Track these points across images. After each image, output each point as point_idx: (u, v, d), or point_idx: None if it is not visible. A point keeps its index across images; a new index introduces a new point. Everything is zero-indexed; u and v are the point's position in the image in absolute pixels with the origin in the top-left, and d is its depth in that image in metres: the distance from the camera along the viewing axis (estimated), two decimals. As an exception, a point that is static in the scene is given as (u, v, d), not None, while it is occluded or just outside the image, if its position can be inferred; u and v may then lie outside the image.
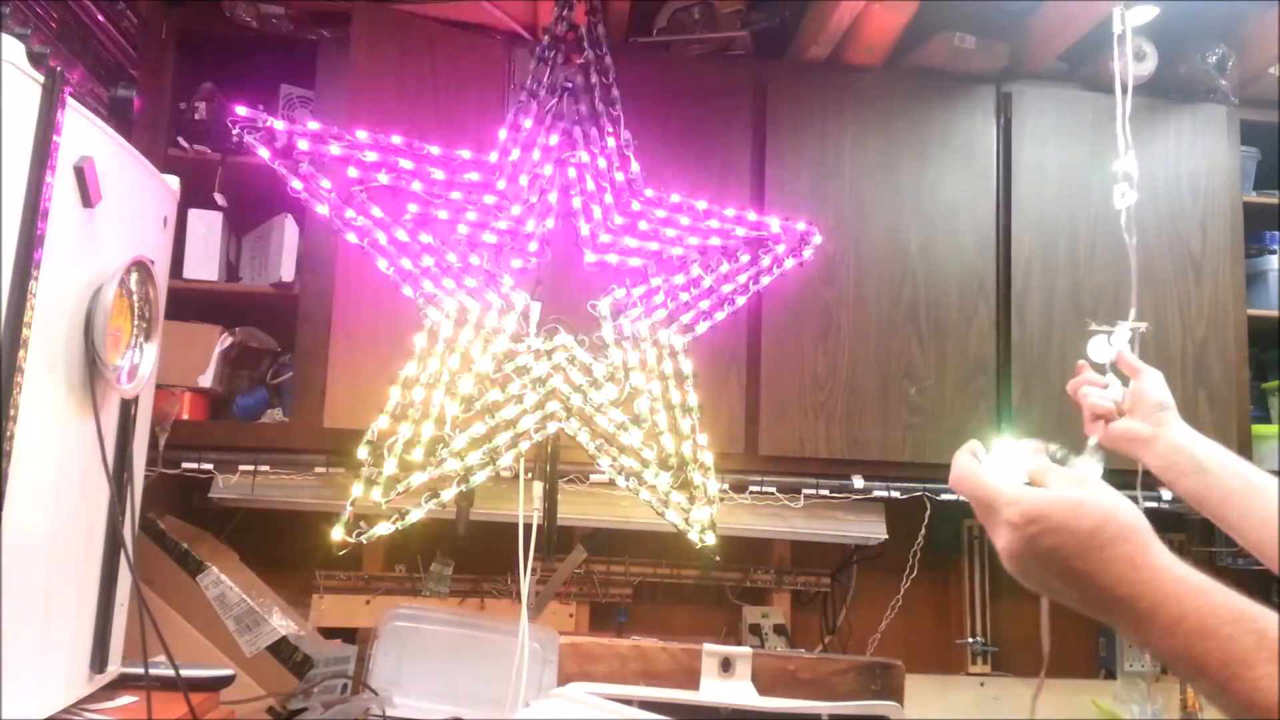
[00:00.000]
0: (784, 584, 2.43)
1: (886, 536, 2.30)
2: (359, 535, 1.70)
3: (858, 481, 2.16)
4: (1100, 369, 1.15)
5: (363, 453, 1.70)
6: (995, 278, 2.22)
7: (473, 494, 1.83)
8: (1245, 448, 2.25)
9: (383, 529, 1.69)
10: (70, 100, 1.18)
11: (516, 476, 1.87)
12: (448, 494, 1.72)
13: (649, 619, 2.39)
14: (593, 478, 2.07)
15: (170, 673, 1.36)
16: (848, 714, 1.71)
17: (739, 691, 1.70)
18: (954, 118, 2.25)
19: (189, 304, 2.01)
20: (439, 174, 1.77)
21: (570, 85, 1.82)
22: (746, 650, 1.75)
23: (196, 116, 2.07)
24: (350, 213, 1.73)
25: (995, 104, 2.27)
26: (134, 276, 1.39)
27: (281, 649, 2.02)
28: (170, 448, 1.96)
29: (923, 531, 2.31)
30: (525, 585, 1.82)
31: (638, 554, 2.35)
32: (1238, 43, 2.29)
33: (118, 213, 1.36)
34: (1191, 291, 2.25)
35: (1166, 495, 1.73)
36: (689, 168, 2.12)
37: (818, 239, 2.01)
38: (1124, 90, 0.94)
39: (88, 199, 1.25)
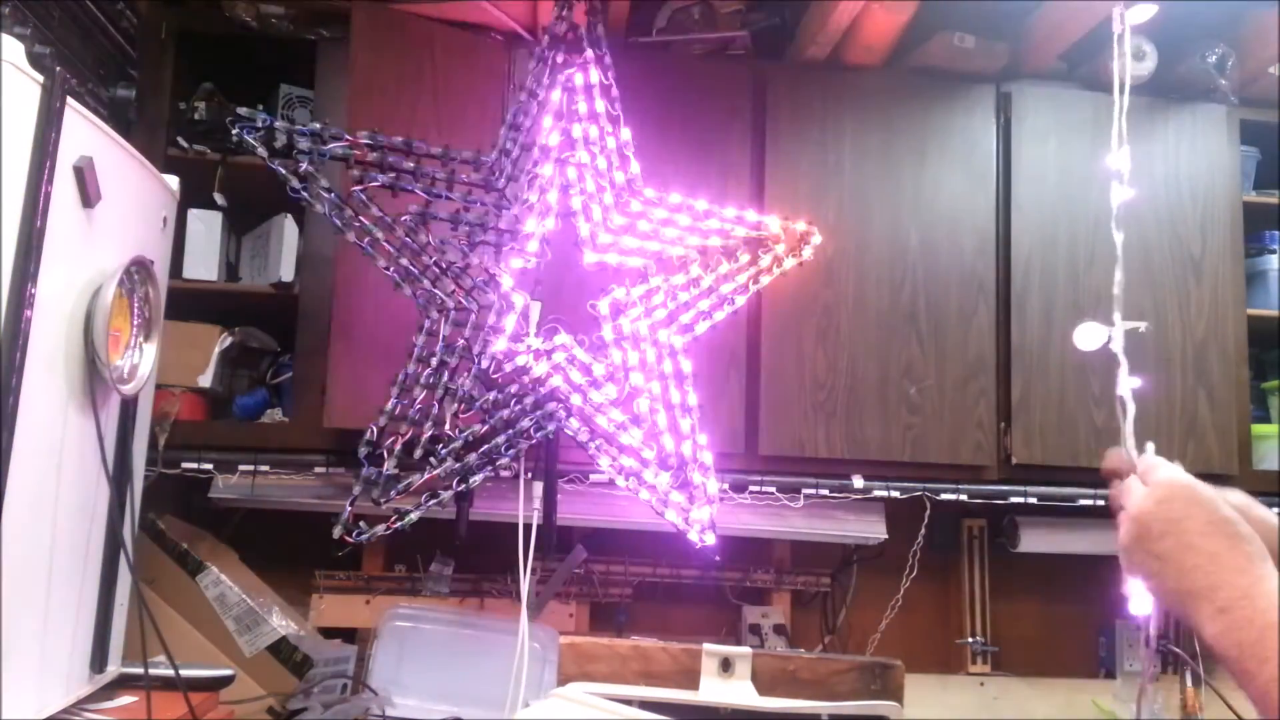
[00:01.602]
0: (784, 584, 2.43)
1: (886, 536, 2.30)
2: (359, 535, 1.70)
3: (858, 481, 2.16)
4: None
5: (363, 453, 1.70)
6: (995, 278, 2.22)
7: (472, 494, 1.83)
8: (1245, 448, 2.26)
9: (382, 529, 1.70)
10: (70, 100, 1.18)
11: (516, 476, 1.87)
12: (448, 494, 1.72)
13: (649, 619, 2.39)
14: (593, 478, 2.06)
15: (170, 673, 1.36)
16: (848, 714, 1.71)
17: (739, 691, 1.70)
18: (954, 117, 2.25)
19: (189, 304, 2.01)
20: (439, 174, 1.77)
21: (570, 85, 1.82)
22: (746, 650, 1.74)
23: (196, 116, 2.07)
24: (350, 213, 1.73)
25: (995, 104, 2.27)
26: (134, 276, 1.39)
27: (281, 649, 2.02)
28: (170, 448, 1.95)
29: (923, 531, 2.31)
30: (525, 585, 1.82)
31: (638, 554, 2.34)
32: (1238, 43, 2.29)
33: (118, 213, 1.36)
34: (1191, 291, 2.25)
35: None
36: (689, 168, 2.12)
37: (818, 239, 2.01)
38: (1121, 88, 0.94)
39: (88, 199, 1.25)
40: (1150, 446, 0.88)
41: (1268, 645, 0.64)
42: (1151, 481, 0.77)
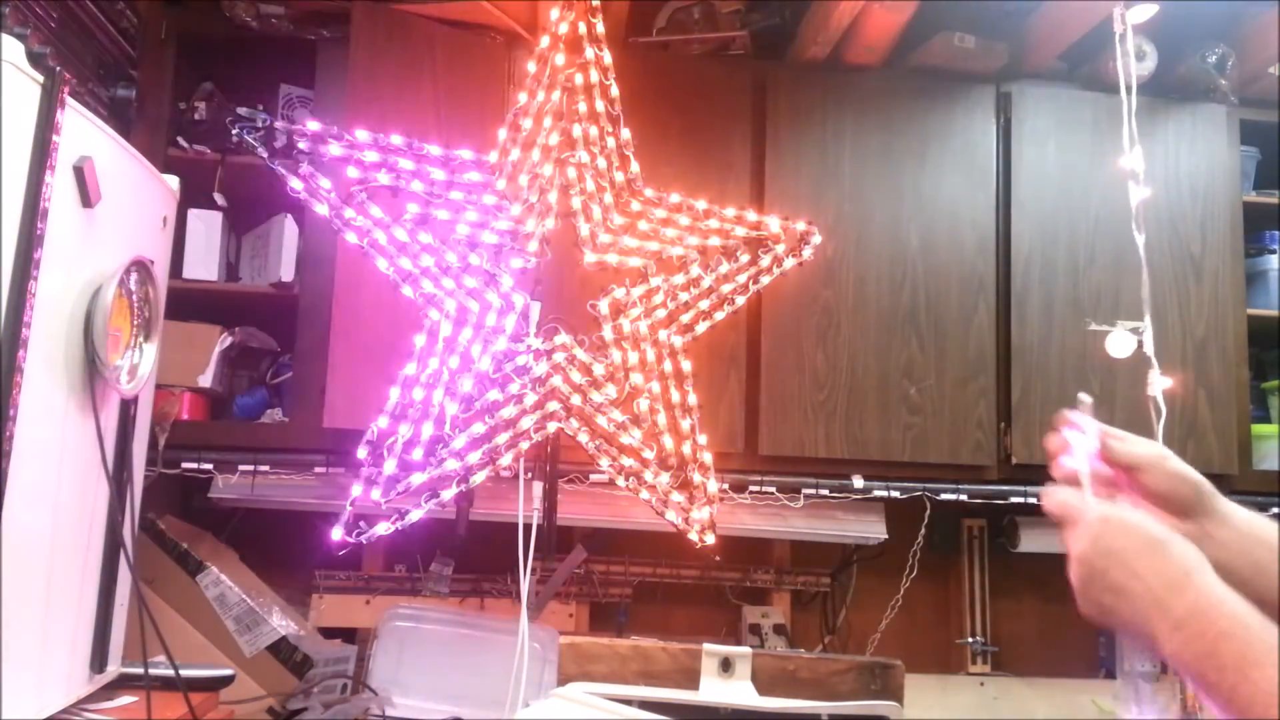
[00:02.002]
0: (784, 584, 2.43)
1: (886, 536, 2.30)
2: (359, 535, 1.70)
3: (857, 481, 2.16)
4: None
5: (362, 453, 1.70)
6: (995, 278, 2.22)
7: (473, 494, 1.83)
8: (1245, 448, 2.25)
9: (383, 529, 1.69)
10: (70, 100, 1.18)
11: (516, 476, 1.87)
12: (448, 494, 1.72)
13: (649, 619, 2.39)
14: (593, 478, 2.06)
15: (170, 673, 1.36)
16: (848, 714, 1.71)
17: (739, 691, 1.69)
18: (954, 117, 2.25)
19: (189, 304, 2.01)
20: (439, 174, 1.77)
21: (570, 85, 1.82)
22: (746, 650, 1.74)
23: (196, 116, 2.07)
24: (350, 213, 1.73)
25: (995, 104, 2.27)
26: (133, 276, 1.39)
27: (281, 649, 2.02)
28: (170, 448, 1.95)
29: (922, 531, 2.31)
30: (525, 585, 1.82)
31: (638, 554, 2.35)
32: (1238, 43, 2.29)
33: (117, 213, 1.36)
34: (1191, 291, 2.25)
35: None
36: (689, 168, 2.12)
37: (818, 239, 2.01)
38: (1128, 89, 0.94)
39: (87, 199, 1.24)
40: (1088, 414, 0.87)
41: (1223, 654, 0.65)
42: (1083, 523, 0.79)
